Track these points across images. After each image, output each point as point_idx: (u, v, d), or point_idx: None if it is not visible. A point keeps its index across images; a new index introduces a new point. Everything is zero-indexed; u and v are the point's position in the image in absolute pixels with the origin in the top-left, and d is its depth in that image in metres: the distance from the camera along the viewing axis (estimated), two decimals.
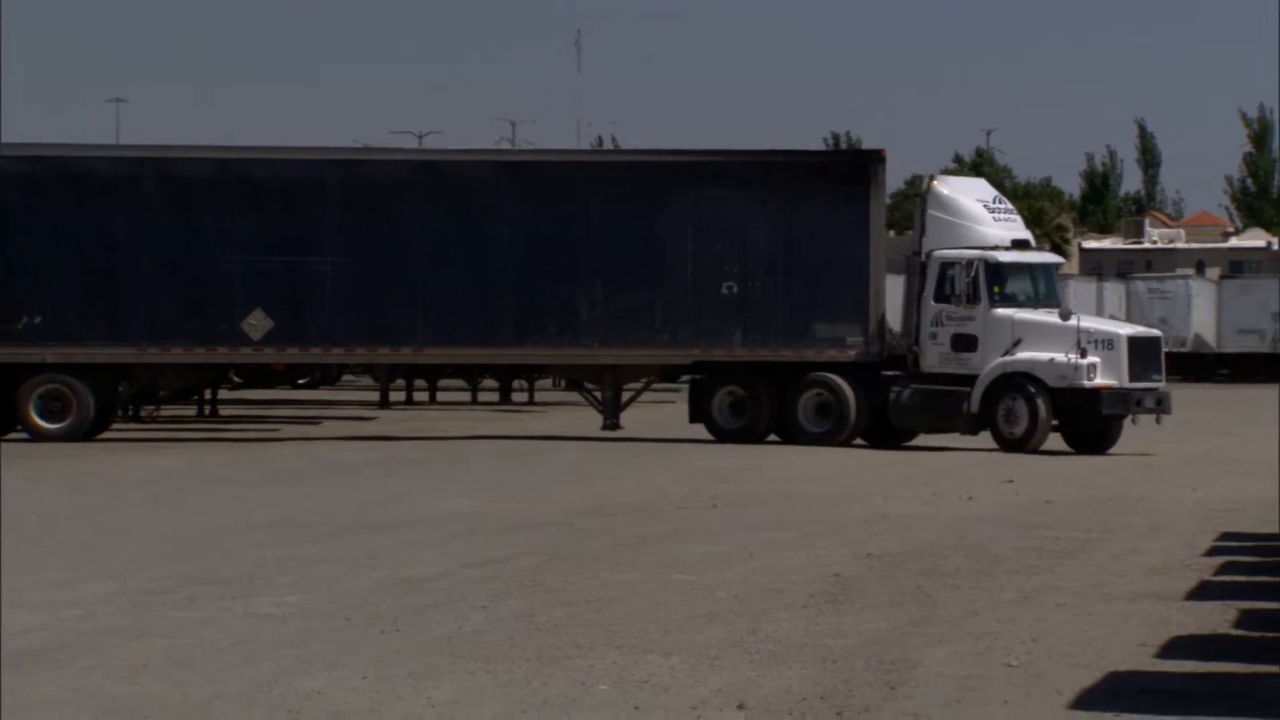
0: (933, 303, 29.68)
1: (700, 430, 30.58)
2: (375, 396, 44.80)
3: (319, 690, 10.07)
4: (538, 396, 48.50)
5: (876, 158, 30.80)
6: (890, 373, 29.88)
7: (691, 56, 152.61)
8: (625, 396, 31.81)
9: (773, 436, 30.34)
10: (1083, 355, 28.50)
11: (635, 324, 30.68)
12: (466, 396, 47.05)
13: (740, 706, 9.69)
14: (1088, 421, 28.89)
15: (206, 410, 38.86)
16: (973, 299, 29.38)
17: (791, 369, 30.13)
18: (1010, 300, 29.50)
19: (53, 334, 30.44)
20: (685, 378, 32.00)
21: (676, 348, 30.64)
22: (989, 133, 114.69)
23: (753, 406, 30.29)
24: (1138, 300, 64.08)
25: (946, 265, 29.63)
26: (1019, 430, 28.69)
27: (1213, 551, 16.43)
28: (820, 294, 30.31)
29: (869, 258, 30.10)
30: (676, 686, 10.19)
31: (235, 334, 30.63)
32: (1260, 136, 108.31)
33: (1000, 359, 28.98)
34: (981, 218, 30.08)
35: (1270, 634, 12.06)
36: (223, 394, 40.35)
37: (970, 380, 29.07)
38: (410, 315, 30.79)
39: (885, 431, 30.03)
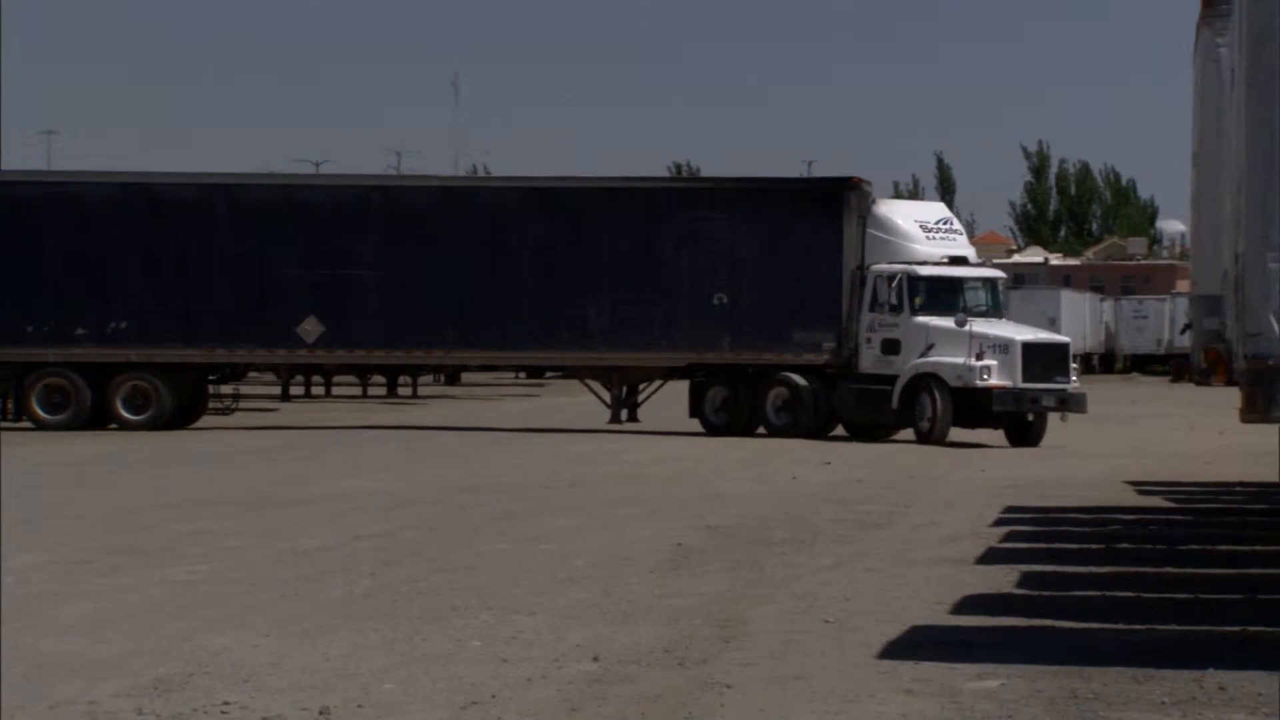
0: (868, 311, 29.42)
1: (686, 423, 30.27)
2: (278, 390, 44.41)
3: (227, 647, 9.95)
4: (421, 390, 48.31)
5: (850, 184, 30.47)
6: (851, 375, 29.53)
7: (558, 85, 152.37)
8: (626, 397, 31.63)
9: (761, 430, 30.01)
10: (978, 358, 28.10)
11: (638, 330, 30.47)
12: (358, 391, 46.76)
13: (595, 659, 9.67)
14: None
15: None
16: (897, 308, 29.10)
17: (772, 370, 29.99)
18: (934, 310, 28.93)
19: (136, 337, 30.60)
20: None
21: (674, 351, 30.46)
22: (810, 164, 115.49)
23: (736, 404, 30.12)
24: None
25: (878, 278, 29.34)
26: (925, 424, 28.46)
27: (998, 523, 16.62)
28: (798, 304, 30.01)
29: (842, 272, 29.96)
30: (540, 642, 10.16)
31: (291, 337, 30.73)
32: (1039, 168, 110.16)
33: (915, 361, 28.71)
34: (914, 236, 29.81)
35: (1047, 592, 12.21)
36: None
37: (895, 380, 28.88)
38: (442, 322, 30.73)
39: (868, 425, 29.60)
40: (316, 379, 46.45)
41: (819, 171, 66.01)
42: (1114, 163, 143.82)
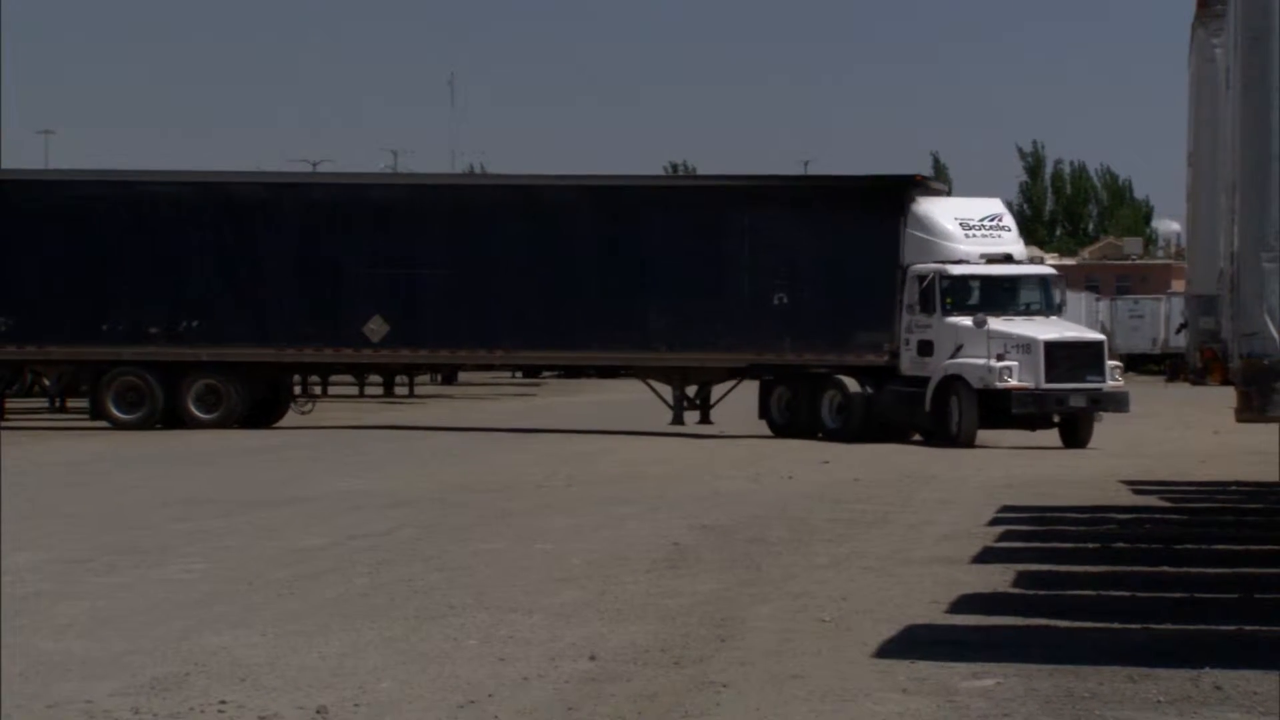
0: (906, 313, 28.68)
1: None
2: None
3: (224, 646, 9.94)
4: (417, 390, 48.29)
5: (912, 182, 29.99)
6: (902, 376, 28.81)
7: (554, 87, 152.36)
8: (696, 397, 31.24)
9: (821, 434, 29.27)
10: (999, 359, 27.33)
11: (698, 331, 30.05)
12: (355, 390, 46.73)
13: (592, 658, 9.67)
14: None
15: None
16: (931, 308, 28.32)
17: (831, 372, 29.35)
18: (969, 310, 28.04)
19: (207, 336, 30.63)
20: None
21: (733, 352, 30.01)
22: (806, 163, 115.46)
23: (797, 405, 29.62)
24: None
25: (915, 278, 28.53)
26: (954, 427, 27.59)
27: (994, 522, 16.61)
28: (859, 304, 29.28)
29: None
30: (537, 641, 10.15)
31: (358, 337, 30.68)
32: (1035, 168, 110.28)
33: (945, 362, 27.91)
34: (953, 234, 28.88)
35: (1043, 592, 12.21)
36: None
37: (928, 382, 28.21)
38: (504, 321, 30.55)
39: (905, 428, 28.83)
40: (313, 377, 46.53)
41: (816, 170, 66.06)
42: (1110, 162, 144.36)
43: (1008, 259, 29.24)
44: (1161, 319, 73.04)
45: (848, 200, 30.12)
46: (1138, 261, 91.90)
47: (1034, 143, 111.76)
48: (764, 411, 30.13)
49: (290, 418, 32.69)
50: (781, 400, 29.93)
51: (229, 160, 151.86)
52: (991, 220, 29.66)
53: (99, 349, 30.77)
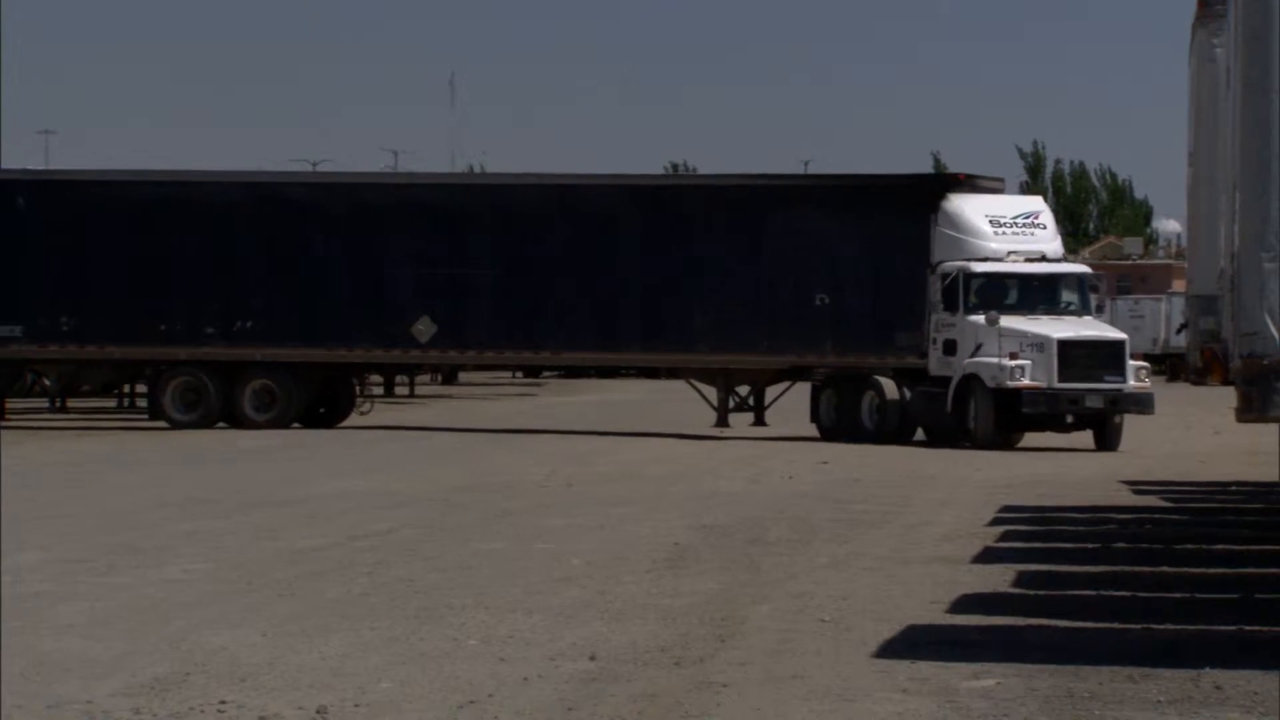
0: (933, 311, 28.17)
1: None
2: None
3: (224, 646, 9.94)
4: (417, 390, 48.28)
5: (955, 180, 29.67)
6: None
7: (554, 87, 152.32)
8: (749, 398, 30.96)
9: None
10: (1012, 357, 26.74)
11: (740, 331, 29.80)
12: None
13: (592, 658, 9.67)
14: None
15: (125, 402, 38.36)
16: (954, 307, 27.78)
17: (872, 373, 28.89)
18: (993, 309, 27.34)
19: (262, 337, 30.73)
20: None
21: (776, 354, 29.77)
22: (806, 163, 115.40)
23: (841, 407, 29.10)
24: None
25: (939, 276, 28.04)
26: (971, 426, 27.10)
27: (994, 522, 16.61)
28: (898, 305, 28.84)
29: None
30: (537, 641, 10.15)
31: (406, 337, 30.71)
32: (1035, 168, 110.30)
33: (965, 361, 27.37)
34: (982, 231, 28.24)
35: (1043, 592, 12.21)
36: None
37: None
38: (549, 322, 30.56)
39: (931, 429, 28.24)
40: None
41: (815, 169, 65.98)
42: (1110, 162, 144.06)
43: (1040, 257, 28.41)
44: (1162, 319, 72.98)
45: (889, 199, 29.71)
46: (1138, 262, 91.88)
47: (1034, 143, 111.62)
48: (815, 414, 29.63)
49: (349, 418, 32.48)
50: (830, 403, 29.44)
51: (229, 160, 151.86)
52: (1026, 218, 28.89)
53: (157, 349, 30.91)
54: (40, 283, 30.98)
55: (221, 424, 30.80)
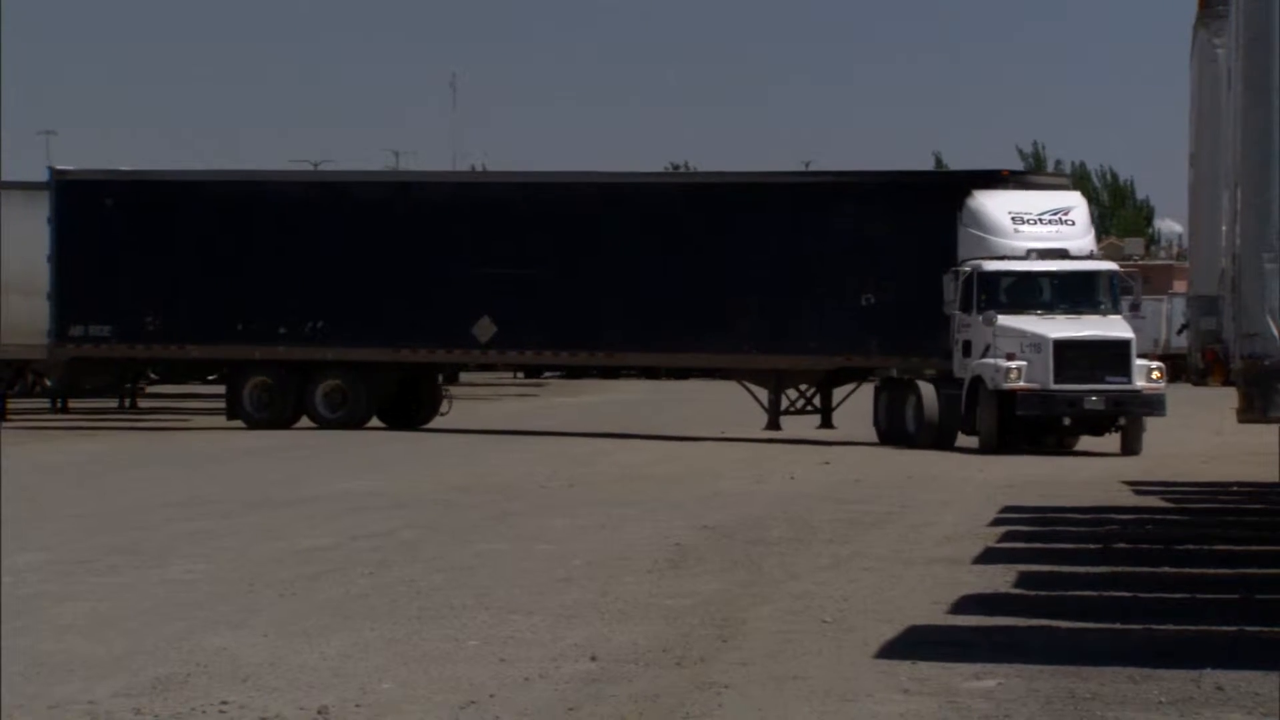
0: (950, 310, 27.45)
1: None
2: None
3: (225, 646, 9.95)
4: None
5: (999, 177, 29.10)
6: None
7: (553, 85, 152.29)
8: (814, 398, 30.52)
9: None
10: (1009, 358, 26.15)
11: (788, 332, 29.48)
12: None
13: (593, 658, 9.67)
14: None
15: (126, 403, 38.37)
16: (970, 307, 27.10)
17: (916, 375, 28.30)
18: (1009, 309, 26.74)
19: (332, 336, 30.80)
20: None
21: (823, 354, 29.42)
22: (807, 163, 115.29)
23: (891, 410, 28.50)
24: None
25: (955, 275, 27.35)
26: (978, 429, 26.51)
27: (995, 522, 16.61)
28: (940, 305, 27.67)
29: None
30: (538, 642, 10.16)
31: (468, 338, 30.67)
32: (1035, 168, 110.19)
33: (975, 362, 26.78)
34: (1002, 229, 27.47)
35: (1044, 592, 12.21)
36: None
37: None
38: (604, 323, 30.41)
39: (951, 431, 27.35)
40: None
41: (815, 169, 65.91)
42: (1111, 163, 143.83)
43: (1063, 254, 27.49)
44: (1163, 319, 72.94)
45: (935, 198, 29.12)
46: (1139, 262, 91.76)
47: (1034, 143, 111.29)
48: (875, 417, 28.99)
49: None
50: (884, 406, 28.70)
51: (228, 160, 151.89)
52: (1054, 214, 27.93)
53: (234, 348, 31.00)
54: (129, 283, 31.04)
55: (297, 425, 30.80)
